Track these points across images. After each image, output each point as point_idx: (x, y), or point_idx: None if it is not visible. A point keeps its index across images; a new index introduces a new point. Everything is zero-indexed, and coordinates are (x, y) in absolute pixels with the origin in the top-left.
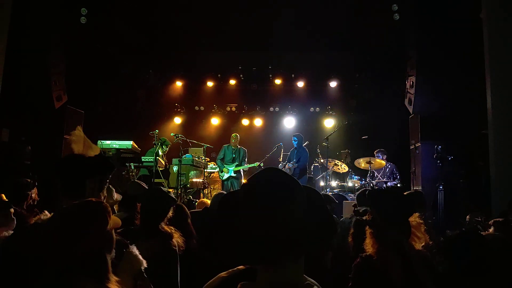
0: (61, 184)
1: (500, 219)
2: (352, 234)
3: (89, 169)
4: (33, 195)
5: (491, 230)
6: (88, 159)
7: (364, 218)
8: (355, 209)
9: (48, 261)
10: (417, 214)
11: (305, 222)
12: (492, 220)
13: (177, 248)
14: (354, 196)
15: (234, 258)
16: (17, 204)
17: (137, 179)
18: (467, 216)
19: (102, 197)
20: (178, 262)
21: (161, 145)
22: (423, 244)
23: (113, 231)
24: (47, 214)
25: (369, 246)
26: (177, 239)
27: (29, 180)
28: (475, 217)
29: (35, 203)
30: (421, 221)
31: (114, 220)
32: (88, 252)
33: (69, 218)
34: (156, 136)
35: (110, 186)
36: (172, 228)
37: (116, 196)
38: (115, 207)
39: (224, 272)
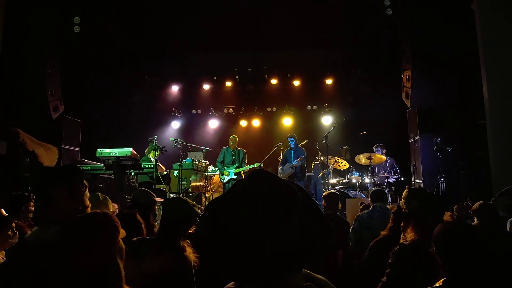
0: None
1: (468, 204)
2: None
3: (53, 176)
4: (31, 208)
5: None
6: (54, 167)
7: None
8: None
9: (57, 276)
10: (449, 212)
11: (307, 231)
12: (471, 211)
13: (192, 263)
14: (356, 192)
15: (228, 275)
16: (14, 218)
17: (138, 186)
18: (455, 206)
19: (78, 206)
20: (194, 278)
21: (160, 149)
22: None
23: (121, 241)
24: (30, 231)
25: (410, 235)
26: (189, 254)
27: (25, 194)
28: (462, 207)
29: (31, 215)
30: (450, 220)
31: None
32: (101, 264)
33: (78, 231)
34: (155, 142)
35: (107, 197)
36: (188, 241)
37: (113, 208)
38: None
39: (231, 283)
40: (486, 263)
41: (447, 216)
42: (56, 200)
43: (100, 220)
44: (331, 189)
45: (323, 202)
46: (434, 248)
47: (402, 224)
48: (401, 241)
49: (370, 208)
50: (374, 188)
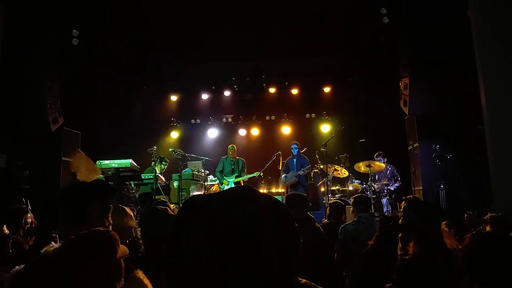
0: (63, 211)
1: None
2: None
3: (89, 194)
4: (28, 220)
5: (488, 227)
6: (87, 184)
7: (399, 223)
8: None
9: None
10: (444, 222)
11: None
12: (488, 216)
13: None
14: None
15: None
16: (12, 230)
17: (138, 197)
18: (465, 215)
19: (107, 223)
20: None
21: (160, 161)
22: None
23: (122, 259)
24: (54, 245)
25: (413, 248)
26: None
27: (23, 206)
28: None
29: (33, 226)
30: (446, 229)
31: (122, 248)
32: (97, 283)
33: (77, 249)
34: (155, 153)
35: (127, 209)
36: None
37: (131, 221)
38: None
39: None
40: None
41: (442, 225)
42: (89, 218)
43: (100, 238)
44: (331, 198)
45: (327, 210)
46: (462, 260)
47: (400, 236)
48: (399, 253)
49: (355, 219)
50: (357, 194)
